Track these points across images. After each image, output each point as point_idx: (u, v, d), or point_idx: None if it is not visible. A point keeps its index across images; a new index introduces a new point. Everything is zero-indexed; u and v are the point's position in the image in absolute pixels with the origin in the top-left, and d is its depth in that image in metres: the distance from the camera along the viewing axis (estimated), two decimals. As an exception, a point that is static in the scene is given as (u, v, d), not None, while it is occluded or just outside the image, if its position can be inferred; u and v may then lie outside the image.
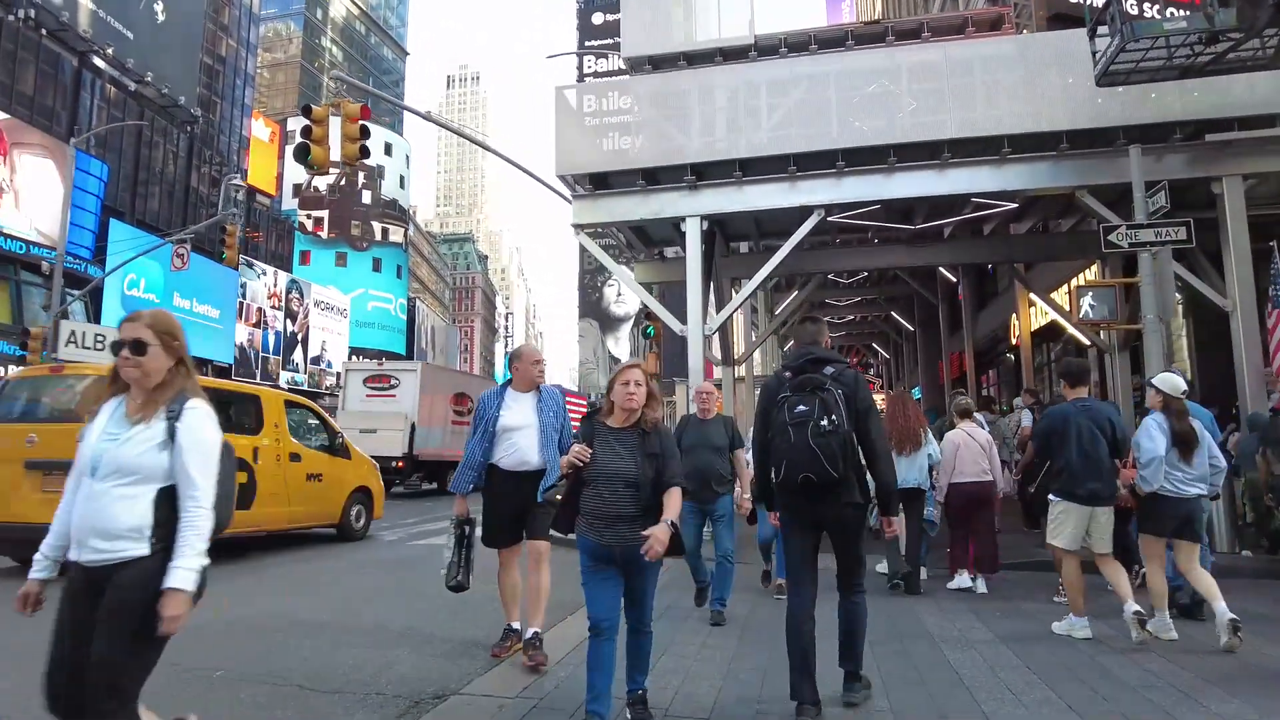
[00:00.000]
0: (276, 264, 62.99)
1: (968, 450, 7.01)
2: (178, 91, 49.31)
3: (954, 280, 21.74)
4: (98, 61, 39.99)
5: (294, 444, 9.63)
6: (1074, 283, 9.78)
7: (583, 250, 37.78)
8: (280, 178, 76.63)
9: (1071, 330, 13.92)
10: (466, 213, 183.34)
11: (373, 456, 16.70)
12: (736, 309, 11.26)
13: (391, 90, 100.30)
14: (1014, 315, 18.00)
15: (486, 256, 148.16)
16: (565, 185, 11.26)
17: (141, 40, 44.15)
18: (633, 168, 10.67)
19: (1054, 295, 14.84)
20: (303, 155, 10.39)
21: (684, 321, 10.57)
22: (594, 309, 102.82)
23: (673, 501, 3.49)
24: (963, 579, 7.04)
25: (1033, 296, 15.27)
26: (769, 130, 10.35)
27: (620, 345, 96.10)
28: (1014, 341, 18.39)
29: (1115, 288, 9.06)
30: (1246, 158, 9.44)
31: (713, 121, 10.63)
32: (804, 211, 10.49)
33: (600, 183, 11.02)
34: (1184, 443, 5.24)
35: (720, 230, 13.01)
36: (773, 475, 3.87)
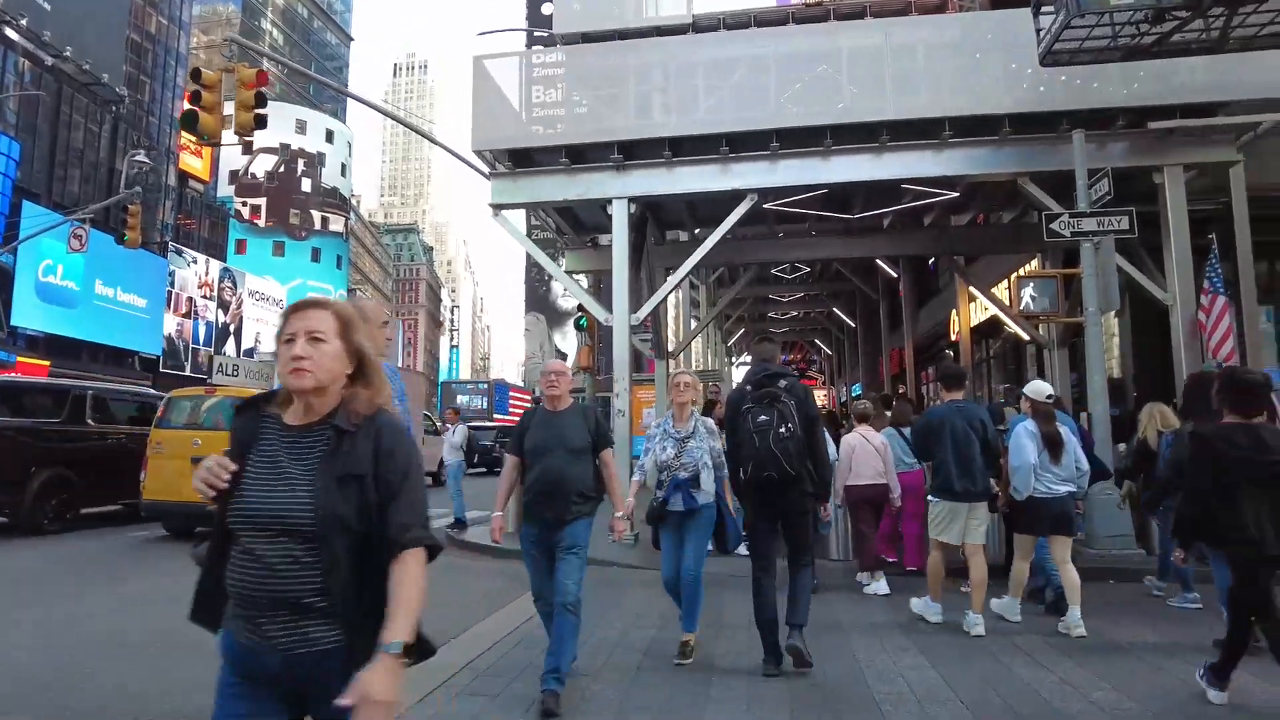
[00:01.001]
0: (211, 253, 60.62)
1: (863, 453, 7.10)
2: (101, 68, 46.79)
3: (895, 276, 21.55)
4: (10, 33, 37.58)
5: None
6: (1014, 276, 9.45)
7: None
8: (215, 164, 74.00)
9: (1011, 325, 13.65)
10: (412, 203, 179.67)
11: None
12: (666, 297, 10.65)
13: (335, 76, 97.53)
14: (954, 311, 17.78)
15: (432, 248, 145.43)
16: (484, 163, 10.49)
17: (61, 12, 41.70)
18: (555, 144, 9.97)
19: (994, 291, 14.57)
20: (190, 123, 9.45)
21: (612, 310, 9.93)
22: (541, 303, 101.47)
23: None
24: (880, 587, 7.03)
25: (973, 291, 15.00)
26: (705, 112, 9.76)
27: (568, 339, 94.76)
28: (954, 337, 18.19)
29: (1056, 279, 8.72)
30: (1187, 148, 9.17)
31: (648, 102, 10.00)
32: (737, 196, 9.92)
33: (522, 161, 10.29)
34: (1052, 445, 5.57)
35: (652, 216, 12.40)
36: (740, 474, 4.77)
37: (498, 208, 10.41)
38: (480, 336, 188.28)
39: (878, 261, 20.37)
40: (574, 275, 13.93)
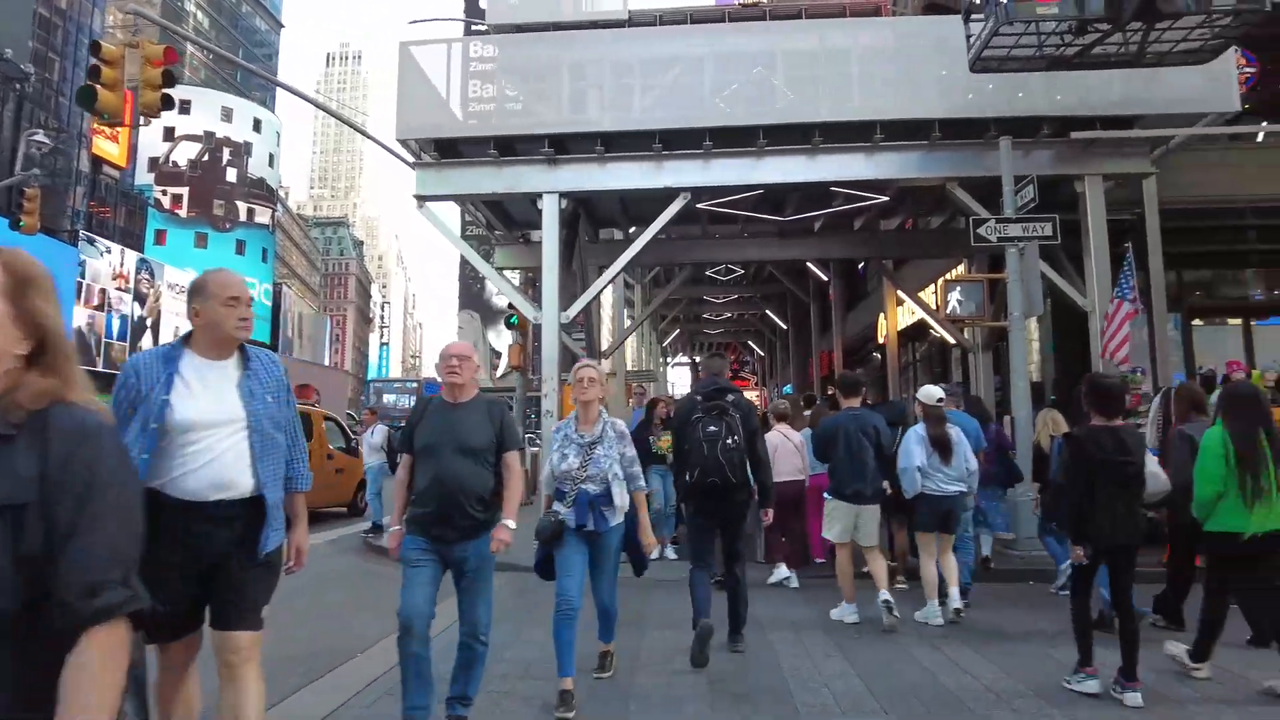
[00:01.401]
0: (128, 243, 57.77)
1: (784, 451, 7.20)
2: (3, 43, 44.18)
3: (825, 280, 21.80)
4: (-105, 1, 35.04)
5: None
6: (941, 280, 9.57)
7: (465, 241, 36.32)
8: (134, 149, 70.62)
9: (937, 329, 13.88)
10: (343, 196, 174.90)
11: None
12: (597, 295, 10.45)
13: (264, 64, 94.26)
14: (882, 315, 18.05)
15: (363, 242, 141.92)
16: (410, 153, 10.11)
17: (-44, -19, 39.22)
18: (484, 135, 9.67)
19: (921, 295, 14.81)
20: (87, 100, 8.83)
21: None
22: (475, 301, 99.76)
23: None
24: (780, 572, 7.33)
25: (900, 294, 15.21)
26: (640, 110, 9.59)
27: (502, 338, 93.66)
28: (881, 340, 18.47)
29: (983, 283, 8.84)
30: (1107, 158, 9.41)
31: (582, 98, 9.81)
32: (670, 194, 9.78)
33: (449, 151, 9.95)
34: (941, 446, 5.80)
35: (585, 213, 12.18)
36: (687, 478, 5.04)
37: (422, 199, 10.04)
38: (412, 334, 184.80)
39: (809, 265, 20.56)
40: (505, 272, 13.60)
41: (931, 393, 6.11)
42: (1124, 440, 4.22)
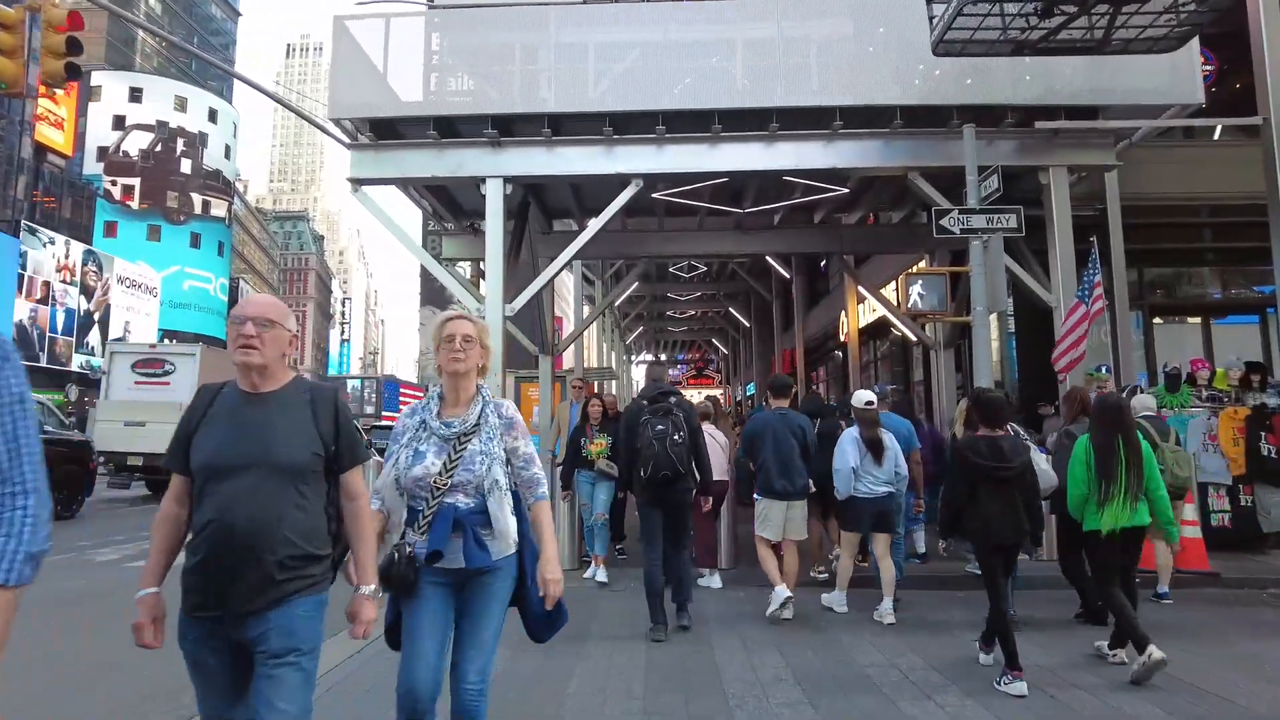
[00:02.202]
0: (75, 234, 55.76)
1: (710, 450, 7.02)
2: (-62, 24, 42.30)
3: (788, 277, 21.53)
4: None
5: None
6: (903, 275, 9.23)
7: (427, 236, 35.29)
8: (81, 137, 68.29)
9: (898, 325, 13.60)
10: (303, 190, 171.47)
11: (140, 454, 15.20)
12: (544, 287, 9.92)
13: (220, 54, 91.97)
14: (843, 312, 17.79)
15: (323, 237, 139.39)
16: (346, 134, 9.50)
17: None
18: (423, 115, 9.10)
19: (883, 291, 14.52)
20: (-16, 67, 8.11)
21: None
22: (437, 297, 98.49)
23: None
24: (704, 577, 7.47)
25: (861, 290, 14.94)
26: (592, 90, 9.10)
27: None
28: (843, 339, 18.21)
29: (944, 276, 8.51)
30: (1072, 149, 9.13)
31: (531, 78, 9.26)
32: (623, 181, 9.30)
33: (386, 132, 9.36)
34: (873, 447, 6.04)
35: (536, 202, 11.64)
36: (641, 472, 5.58)
37: (358, 182, 9.44)
38: (373, 330, 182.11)
39: (771, 262, 20.26)
40: (453, 264, 13.02)
41: (862, 396, 6.36)
42: (1001, 448, 4.67)
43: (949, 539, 4.91)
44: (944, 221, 8.30)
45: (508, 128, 9.21)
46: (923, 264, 12.01)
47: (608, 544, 7.91)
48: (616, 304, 26.58)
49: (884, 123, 9.07)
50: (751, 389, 31.30)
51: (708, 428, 7.40)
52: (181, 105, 73.66)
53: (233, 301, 79.08)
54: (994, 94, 8.85)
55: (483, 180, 9.20)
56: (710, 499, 6.34)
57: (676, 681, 4.73)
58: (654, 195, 11.10)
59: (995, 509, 4.58)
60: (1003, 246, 8.21)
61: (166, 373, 16.59)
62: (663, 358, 47.17)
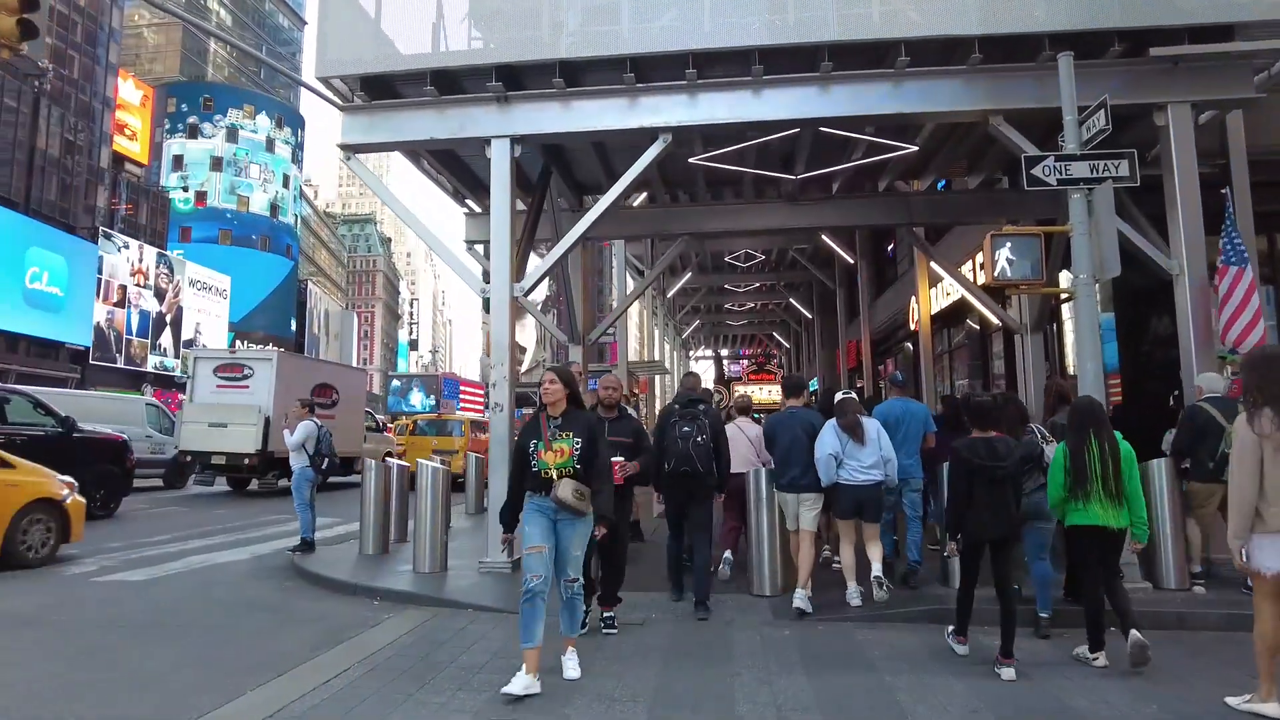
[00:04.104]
0: (152, 240, 57.36)
1: (737, 443, 7.18)
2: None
3: (851, 262, 19.90)
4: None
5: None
6: (989, 236, 7.55)
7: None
8: (159, 147, 70.44)
9: (978, 305, 11.92)
10: (371, 194, 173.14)
11: (223, 453, 16.23)
12: (553, 266, 8.66)
13: (288, 62, 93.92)
14: (913, 298, 16.10)
15: (390, 239, 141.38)
16: (339, 97, 8.44)
17: (-34, -26, 38.53)
18: (420, 69, 7.95)
19: (960, 270, 12.85)
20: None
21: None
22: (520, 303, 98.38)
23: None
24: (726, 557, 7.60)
25: (935, 268, 13.30)
26: (609, 32, 7.83)
27: (526, 333, 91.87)
28: (913, 327, 16.51)
29: (1039, 238, 6.93)
30: (1197, 81, 7.42)
31: (537, 19, 8.02)
32: (651, 137, 7.99)
33: (381, 91, 8.25)
34: (853, 434, 6.10)
35: (559, 171, 10.43)
36: (666, 467, 6.24)
37: (349, 149, 8.35)
38: (441, 330, 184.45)
39: (834, 246, 18.70)
40: (474, 246, 11.91)
41: (842, 395, 6.57)
42: (995, 448, 4.88)
43: (956, 539, 4.90)
44: (1037, 171, 6.74)
45: (516, 81, 8.00)
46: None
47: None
48: (670, 295, 25.39)
49: (960, 57, 7.54)
50: (814, 385, 29.57)
51: (741, 420, 7.82)
52: (250, 114, 75.45)
53: (301, 303, 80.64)
54: (1097, 16, 7.24)
55: (487, 142, 8.02)
56: (722, 496, 6.82)
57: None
58: (691, 160, 9.78)
59: (992, 504, 4.77)
60: (1113, 201, 6.60)
61: (245, 377, 17.23)
62: (724, 353, 45.82)
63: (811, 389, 27.81)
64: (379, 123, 8.31)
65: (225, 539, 10.39)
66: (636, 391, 19.26)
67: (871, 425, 6.27)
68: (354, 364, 78.38)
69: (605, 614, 5.65)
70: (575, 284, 11.59)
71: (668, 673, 4.69)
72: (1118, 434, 4.97)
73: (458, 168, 10.58)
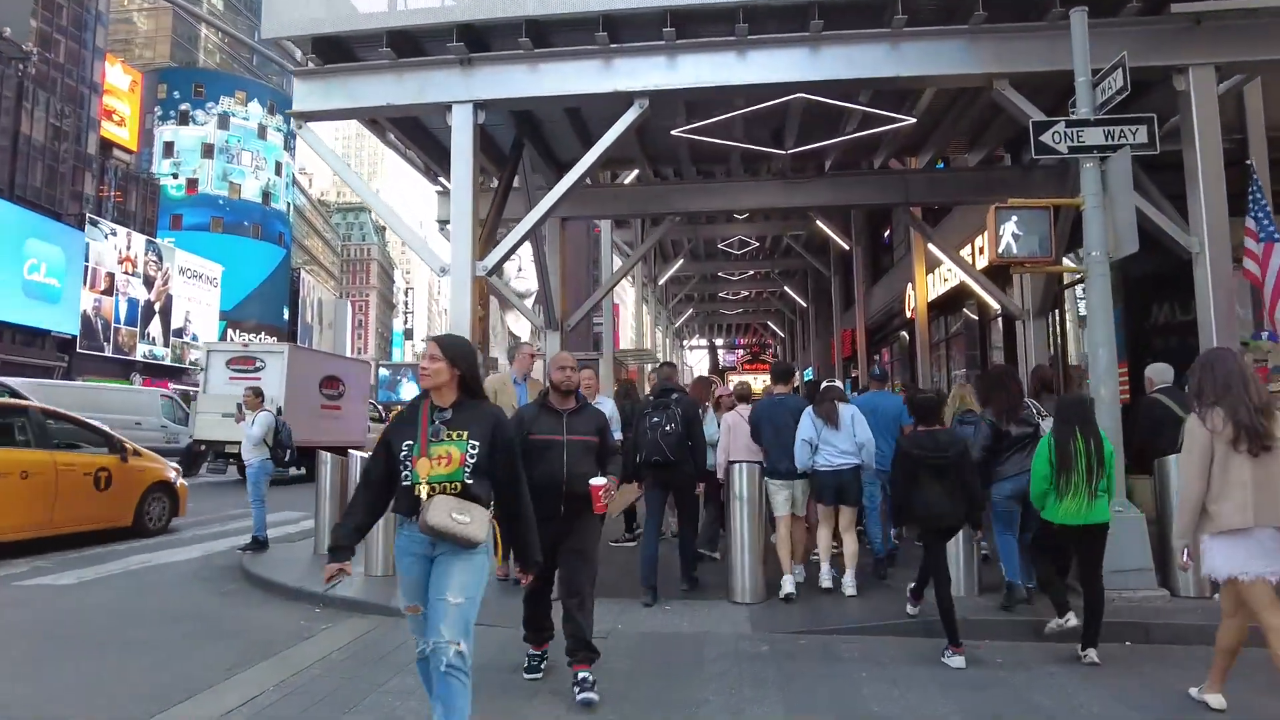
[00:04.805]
0: (143, 228, 56.52)
1: (739, 431, 6.96)
2: (2, 20, 42.66)
3: (847, 248, 19.29)
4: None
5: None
6: (992, 210, 6.81)
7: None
8: (150, 134, 69.44)
9: (977, 290, 11.31)
10: (366, 182, 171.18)
11: (237, 442, 15.32)
12: (520, 243, 8.01)
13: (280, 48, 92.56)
14: (910, 285, 15.49)
15: (385, 228, 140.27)
16: (291, 62, 7.80)
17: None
18: (375, 29, 7.31)
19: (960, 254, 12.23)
20: None
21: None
22: (492, 286, 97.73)
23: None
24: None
25: (933, 250, 12.65)
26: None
27: (520, 322, 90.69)
28: (909, 314, 15.91)
29: (1048, 211, 6.29)
30: (1222, 40, 6.79)
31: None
32: (625, 102, 7.36)
33: (336, 53, 7.61)
34: (828, 420, 6.21)
35: (534, 141, 9.79)
36: (637, 458, 6.20)
37: (302, 117, 7.72)
38: (437, 320, 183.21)
39: (830, 234, 18.08)
40: (448, 226, 11.24)
41: (826, 383, 6.98)
42: (938, 439, 5.04)
43: (900, 527, 5.71)
44: (1046, 138, 6.14)
45: (481, 42, 7.37)
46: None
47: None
48: (661, 282, 24.76)
49: (962, 16, 6.91)
50: (810, 374, 29.00)
51: (743, 408, 7.48)
52: (242, 100, 74.43)
53: (295, 292, 79.72)
54: (1113, -30, 6.63)
55: (449, 108, 7.39)
56: (702, 486, 6.79)
57: None
58: (674, 132, 9.15)
59: (935, 494, 4.93)
60: (1130, 170, 5.99)
61: (258, 369, 17.66)
62: (719, 342, 45.25)
63: (807, 378, 27.34)
64: (334, 88, 7.67)
65: (186, 535, 9.89)
66: (625, 378, 18.70)
67: (847, 411, 6.33)
68: (348, 354, 77.61)
69: (579, 674, 4.15)
70: (554, 267, 10.95)
71: (623, 706, 4.09)
72: (1102, 433, 4.96)
73: (427, 141, 9.94)
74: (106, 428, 9.72)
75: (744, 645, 5.08)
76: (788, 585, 6.12)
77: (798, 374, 31.46)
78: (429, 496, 3.05)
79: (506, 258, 7.77)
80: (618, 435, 6.67)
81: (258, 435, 8.21)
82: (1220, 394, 3.81)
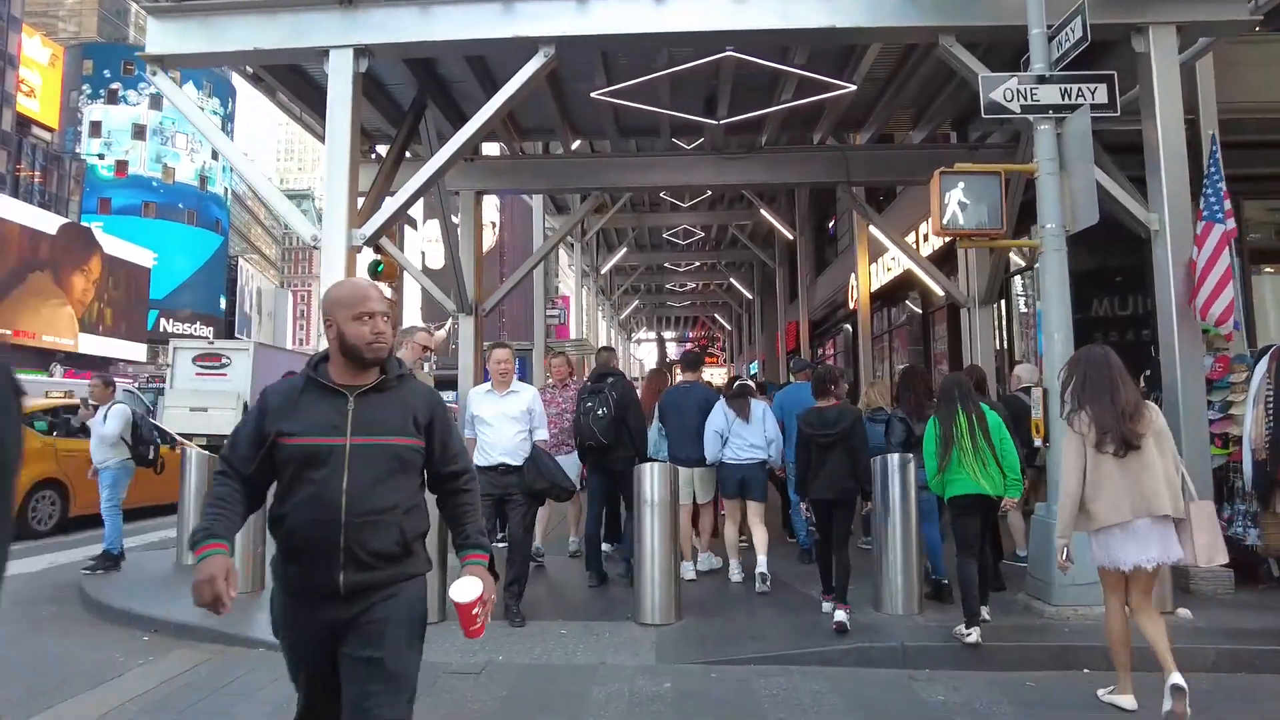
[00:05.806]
0: (62, 211, 53.48)
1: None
2: (-99, -17, 39.80)
3: (791, 238, 18.69)
4: None
5: None
6: (937, 174, 6.02)
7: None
8: (75, 112, 65.93)
9: (922, 277, 10.69)
10: (310, 169, 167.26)
11: (205, 435, 16.55)
12: (406, 209, 7.10)
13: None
14: (853, 275, 14.89)
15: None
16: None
17: None
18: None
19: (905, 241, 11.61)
20: None
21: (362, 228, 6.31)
22: (402, 265, 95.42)
23: None
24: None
25: (875, 234, 11.95)
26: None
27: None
28: (852, 306, 15.32)
29: (998, 176, 5.58)
30: (1183, 1, 6.20)
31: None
32: (529, 50, 6.48)
33: (196, -12, 6.58)
34: (740, 413, 6.35)
35: (439, 100, 8.83)
36: (578, 443, 6.44)
37: (156, 61, 6.69)
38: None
39: (775, 224, 17.43)
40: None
41: (740, 382, 6.99)
42: (826, 416, 5.33)
43: (804, 498, 5.41)
44: (997, 94, 5.46)
45: (364, -21, 6.41)
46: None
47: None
48: (604, 270, 23.92)
49: (906, -36, 6.19)
50: (754, 368, 28.50)
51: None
52: (176, 81, 71.39)
53: (232, 280, 76.75)
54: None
55: (325, 53, 6.42)
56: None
57: None
58: (594, 95, 8.28)
59: (825, 469, 5.19)
60: (1089, 132, 5.33)
61: (224, 366, 18.61)
62: (667, 335, 44.61)
63: (752, 372, 26.75)
64: (193, 28, 6.63)
65: (52, 541, 8.83)
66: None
67: (758, 406, 6.43)
68: (289, 345, 75.04)
69: None
70: (466, 245, 9.99)
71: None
72: (984, 406, 5.07)
73: (321, 102, 8.90)
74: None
75: (641, 683, 4.24)
76: (688, 573, 6.29)
77: (744, 369, 31.08)
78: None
79: (389, 225, 6.84)
80: (540, 434, 5.54)
81: (112, 433, 7.05)
82: (1087, 397, 3.86)
